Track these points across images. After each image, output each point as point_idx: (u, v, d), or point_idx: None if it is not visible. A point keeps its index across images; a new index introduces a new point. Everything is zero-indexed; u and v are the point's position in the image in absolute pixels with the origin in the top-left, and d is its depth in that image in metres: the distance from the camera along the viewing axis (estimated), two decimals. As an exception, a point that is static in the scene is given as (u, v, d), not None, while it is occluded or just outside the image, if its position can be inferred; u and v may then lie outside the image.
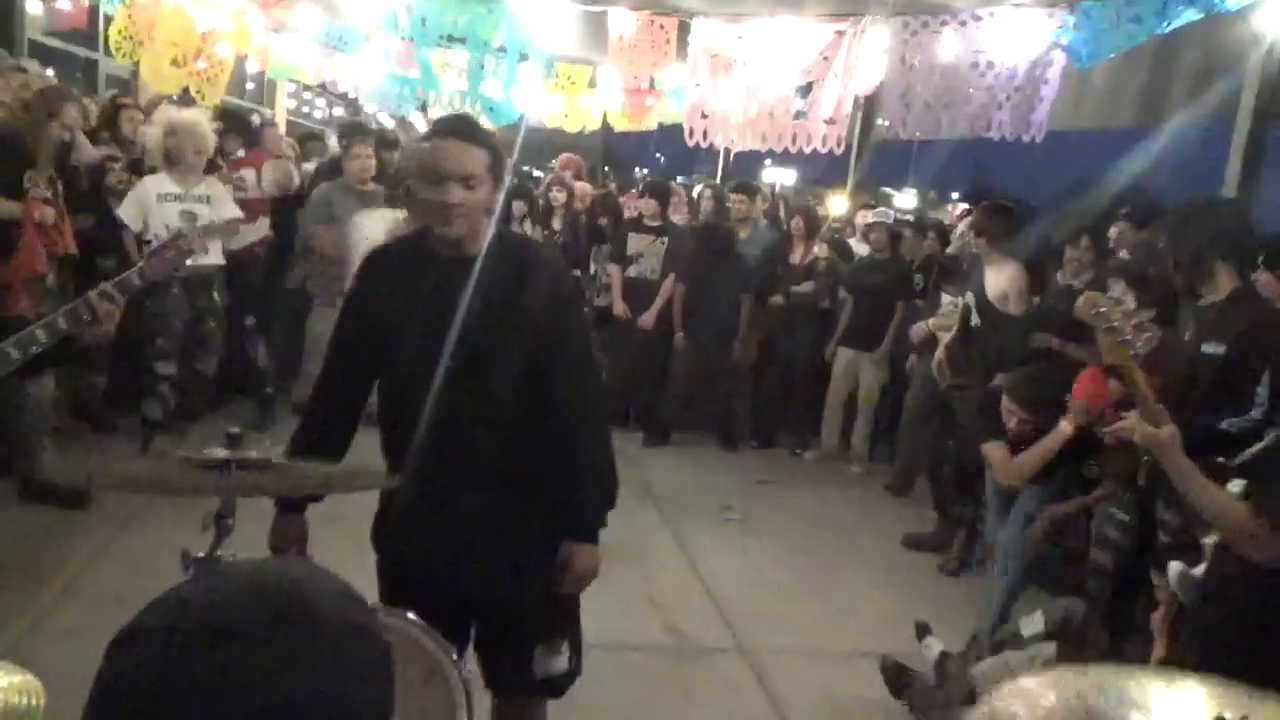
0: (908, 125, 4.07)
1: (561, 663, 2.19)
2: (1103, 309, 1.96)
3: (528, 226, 6.81)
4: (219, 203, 5.34)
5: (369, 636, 0.75)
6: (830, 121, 4.23)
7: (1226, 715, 1.16)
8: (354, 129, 6.62)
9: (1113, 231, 4.79)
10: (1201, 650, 2.04)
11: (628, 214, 6.92)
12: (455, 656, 1.79)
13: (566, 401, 2.10)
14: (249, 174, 6.06)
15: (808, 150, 4.12)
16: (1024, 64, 3.85)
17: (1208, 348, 3.03)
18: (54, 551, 3.89)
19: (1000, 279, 4.64)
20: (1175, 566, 2.25)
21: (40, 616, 3.43)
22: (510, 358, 2.06)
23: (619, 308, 6.51)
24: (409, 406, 2.04)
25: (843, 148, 4.45)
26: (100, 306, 2.06)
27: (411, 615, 1.87)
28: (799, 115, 4.21)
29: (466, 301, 2.01)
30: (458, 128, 2.07)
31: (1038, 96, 3.90)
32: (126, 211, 5.05)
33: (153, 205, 5.08)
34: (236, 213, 5.45)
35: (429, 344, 2.02)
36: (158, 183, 5.14)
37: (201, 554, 1.67)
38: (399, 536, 2.17)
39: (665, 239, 6.52)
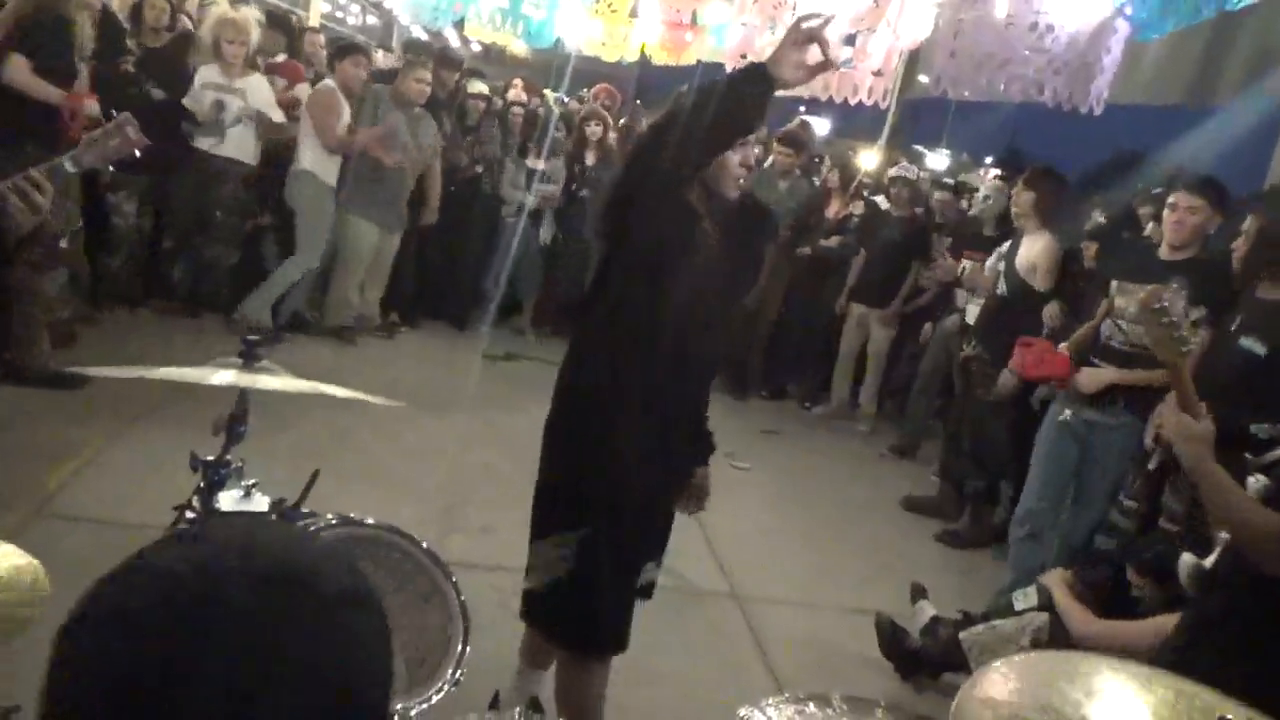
0: (956, 82, 3.95)
1: (656, 573, 2.35)
2: (1165, 304, 1.91)
3: (557, 161, 6.72)
4: (255, 96, 5.43)
5: (367, 607, 0.71)
6: (878, 73, 4.11)
7: (1230, 717, 1.15)
8: (419, 47, 6.61)
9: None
10: (1197, 644, 2.02)
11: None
12: (456, 585, 1.79)
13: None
14: (279, 83, 6.01)
15: (852, 101, 4.02)
16: (1087, 30, 3.71)
17: (1247, 341, 2.97)
18: (64, 440, 3.91)
19: (1032, 251, 4.55)
20: (1188, 559, 2.22)
21: (44, 502, 3.46)
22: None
23: None
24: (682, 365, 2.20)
25: (886, 101, 4.34)
26: (20, 194, 1.92)
27: (414, 535, 1.88)
28: (845, 64, 4.09)
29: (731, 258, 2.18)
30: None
31: (1099, 66, 3.76)
32: (190, 99, 5.31)
33: (195, 91, 5.34)
34: (275, 113, 5.52)
35: (701, 295, 2.14)
36: (207, 72, 5.38)
37: (211, 457, 1.66)
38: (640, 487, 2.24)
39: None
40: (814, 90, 4.18)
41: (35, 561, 1.32)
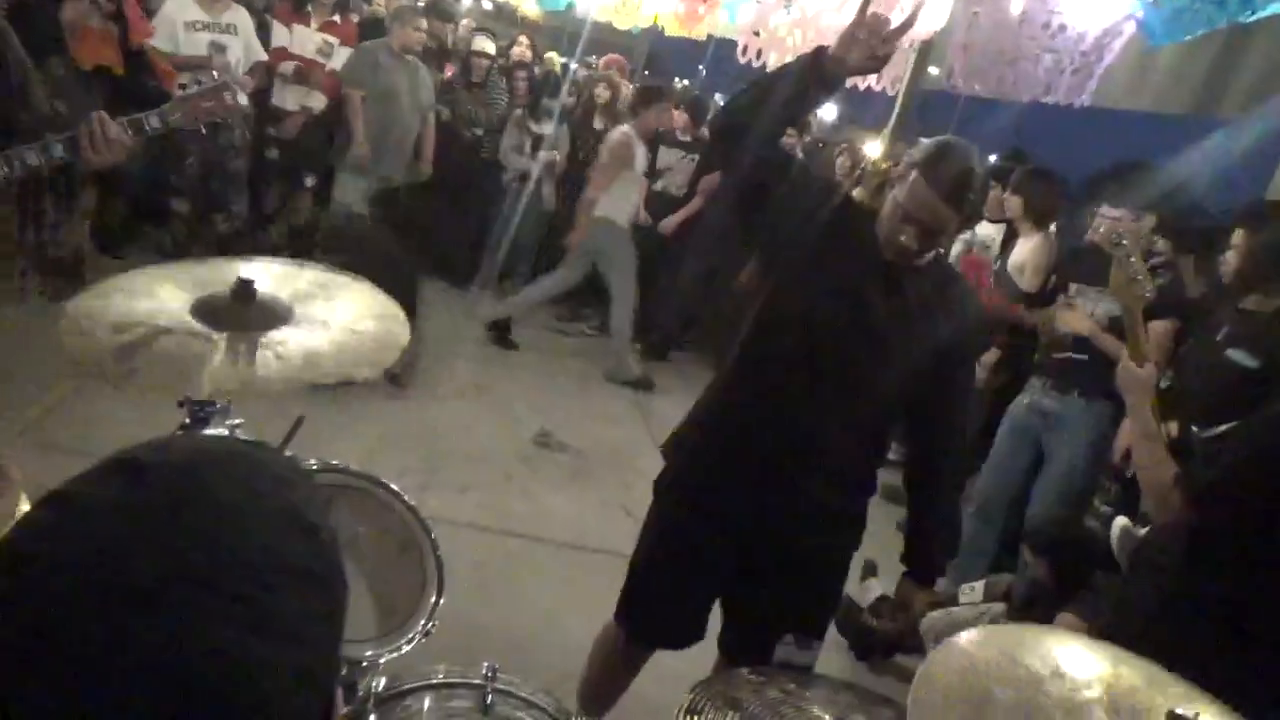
0: (968, 76, 3.94)
1: (808, 658, 2.18)
2: (1124, 241, 1.98)
3: (550, 128, 6.68)
4: (246, 35, 5.22)
5: (314, 580, 0.62)
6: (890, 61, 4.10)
7: (1180, 710, 1.18)
8: None
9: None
10: (1122, 619, 2.07)
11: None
12: (433, 538, 1.80)
13: (940, 446, 2.18)
14: (334, 42, 5.78)
15: (861, 88, 4.00)
16: (1095, 31, 3.70)
17: (1236, 354, 3.00)
18: (53, 364, 3.90)
19: (1023, 251, 4.56)
20: (1120, 521, 2.29)
21: (25, 427, 3.47)
22: (901, 376, 2.02)
23: (641, 216, 6.45)
24: (780, 379, 2.05)
25: (894, 90, 4.32)
26: (98, 140, 1.88)
27: (393, 486, 1.88)
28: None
29: (888, 308, 2.00)
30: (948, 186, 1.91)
31: (1099, 64, 3.76)
32: (158, 38, 4.95)
33: (180, 33, 4.98)
34: (260, 54, 5.34)
35: (835, 331, 2.00)
36: (180, 7, 4.99)
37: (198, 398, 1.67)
38: (713, 502, 2.16)
39: (695, 156, 6.41)
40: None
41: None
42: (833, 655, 3.47)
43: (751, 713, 1.52)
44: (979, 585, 3.53)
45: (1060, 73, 3.76)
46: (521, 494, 4.12)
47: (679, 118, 6.50)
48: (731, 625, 2.30)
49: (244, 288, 1.58)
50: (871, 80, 4.25)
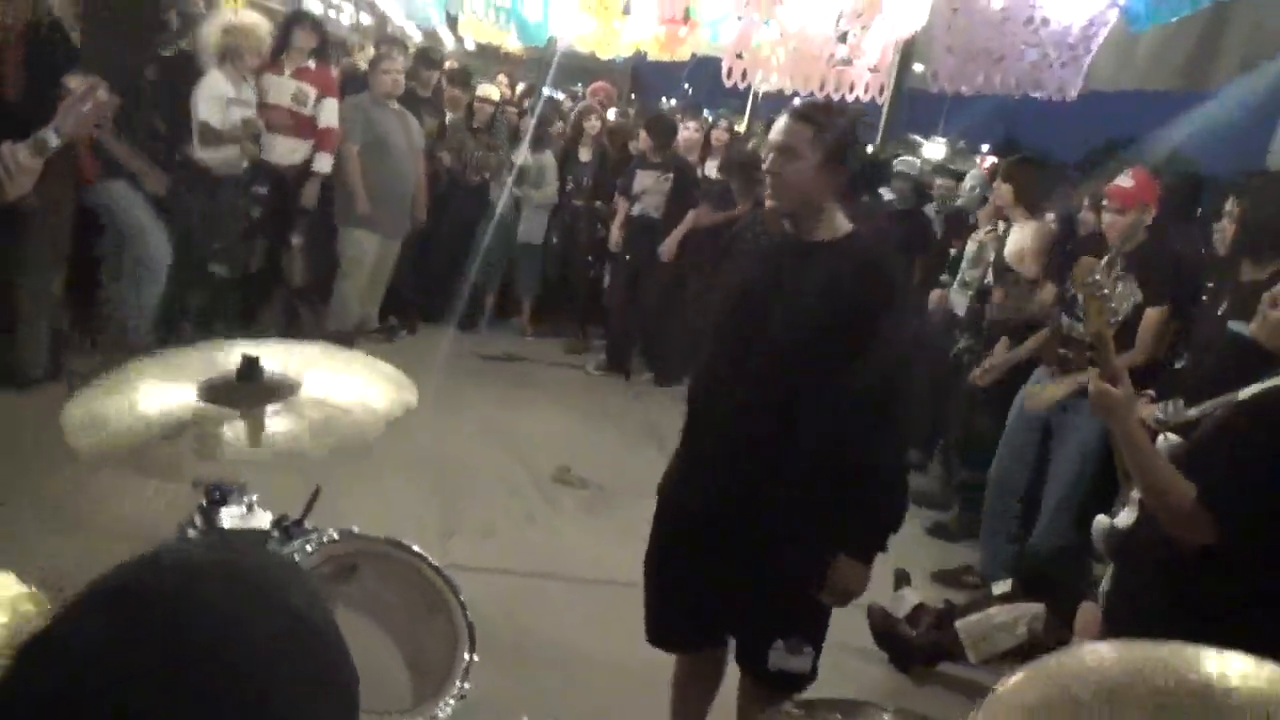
0: (954, 78, 3.94)
1: (800, 663, 2.18)
2: (1097, 277, 1.94)
3: (548, 158, 6.71)
4: (251, 102, 5.24)
5: (324, 685, 0.61)
6: (874, 69, 4.10)
7: None
8: (389, 39, 6.39)
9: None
10: (1124, 613, 2.02)
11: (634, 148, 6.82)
12: (460, 596, 1.79)
13: (865, 409, 2.04)
14: (311, 91, 5.58)
15: (850, 97, 4.01)
16: (1079, 23, 3.70)
17: (1236, 325, 2.98)
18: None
19: (1020, 238, 4.53)
20: (1102, 520, 2.23)
21: (45, 512, 3.46)
22: (820, 352, 2.05)
23: (614, 239, 6.47)
24: (717, 378, 2.23)
25: (884, 96, 4.34)
26: (11, 168, 2.00)
27: (416, 548, 1.87)
28: (843, 62, 4.08)
29: (797, 286, 2.10)
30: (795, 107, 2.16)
31: (1086, 56, 3.76)
32: (208, 113, 5.00)
33: (209, 104, 5.02)
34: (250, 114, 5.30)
35: (751, 322, 2.14)
36: (218, 83, 5.06)
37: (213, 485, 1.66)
38: (682, 494, 2.32)
39: (670, 175, 6.41)
40: (811, 87, 4.17)
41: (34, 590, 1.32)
42: (874, 667, 3.44)
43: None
44: (1007, 582, 3.49)
45: (1048, 67, 3.76)
46: (546, 532, 4.10)
47: (645, 140, 6.50)
48: (734, 631, 2.35)
49: (249, 367, 1.57)
50: (859, 89, 4.26)
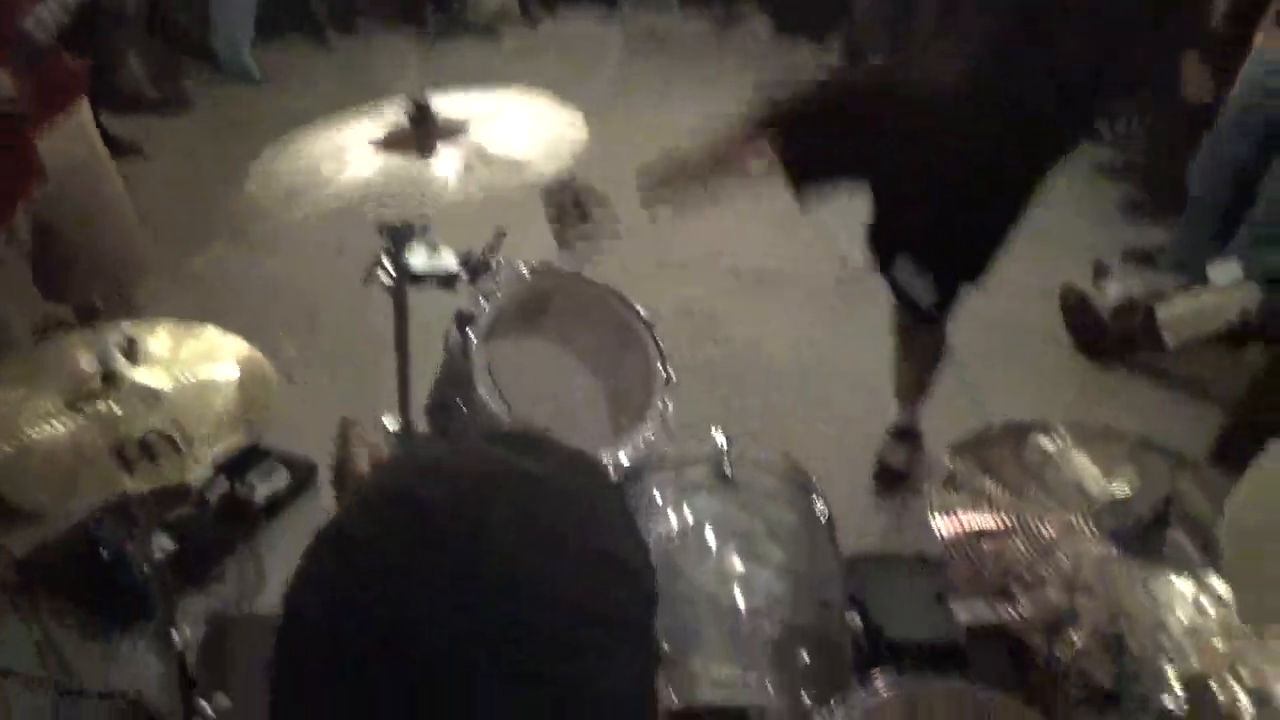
0: None
1: (917, 287, 2.30)
2: None
3: None
4: None
5: (631, 635, 0.57)
6: None
7: None
8: None
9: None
10: None
11: None
12: (654, 332, 1.77)
13: None
14: None
15: None
16: None
17: None
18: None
19: None
20: None
21: (235, 233, 3.63)
22: None
23: None
24: None
25: None
26: None
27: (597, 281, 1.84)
28: None
29: None
30: None
31: None
32: None
33: None
34: None
35: None
36: None
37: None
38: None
39: None
40: None
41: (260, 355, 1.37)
42: (1060, 352, 3.35)
43: (1008, 479, 1.47)
44: (1234, 263, 3.17)
45: None
46: (710, 225, 4.01)
47: None
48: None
49: (420, 112, 1.49)
50: None
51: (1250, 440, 2.33)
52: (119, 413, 1.21)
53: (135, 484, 1.14)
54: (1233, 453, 2.35)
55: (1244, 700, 1.07)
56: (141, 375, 1.25)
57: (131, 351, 1.24)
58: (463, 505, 0.54)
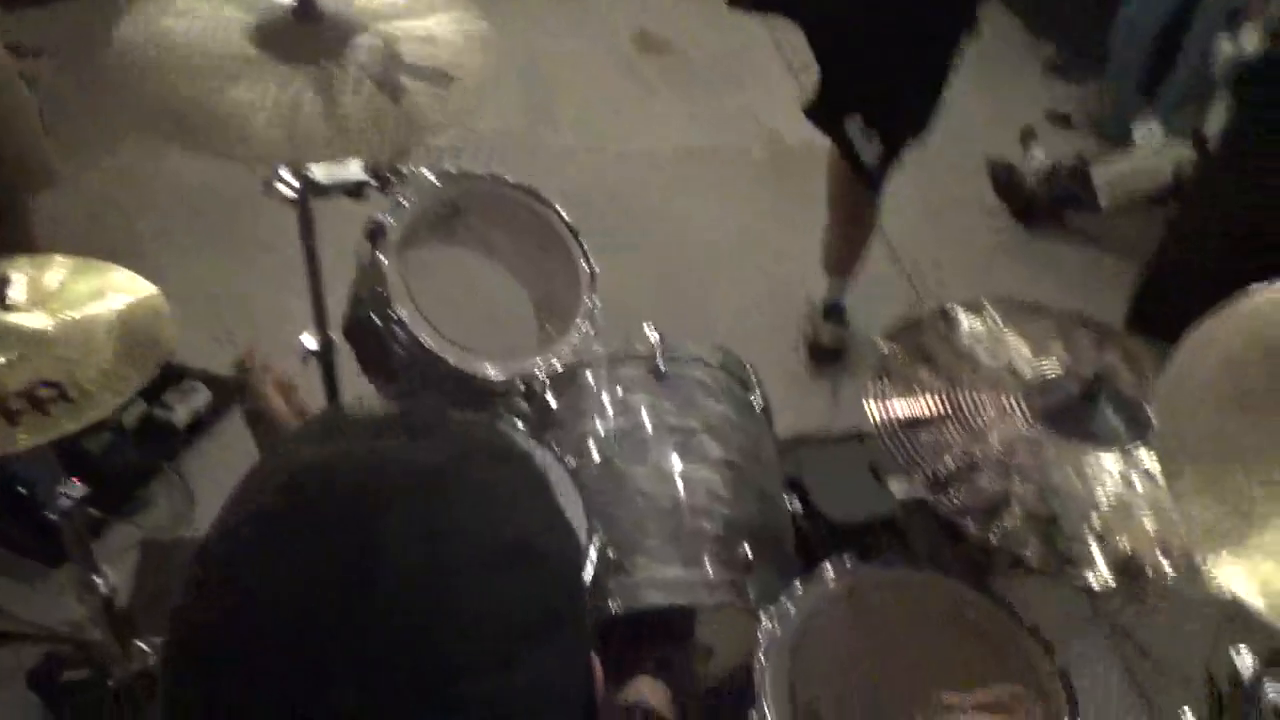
0: None
1: (865, 146, 2.36)
2: None
3: None
4: None
5: (553, 629, 0.51)
6: None
7: None
8: None
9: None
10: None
11: None
12: (577, 235, 1.70)
13: None
14: None
15: None
16: None
17: None
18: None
19: None
20: (1225, 46, 1.93)
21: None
22: None
23: None
24: None
25: None
26: None
27: (513, 179, 1.75)
28: None
29: None
30: None
31: None
32: None
33: None
34: None
35: None
36: None
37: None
38: None
39: None
40: None
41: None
42: (997, 220, 3.36)
43: (944, 364, 1.46)
44: (1156, 126, 3.19)
45: None
46: (633, 108, 3.88)
47: None
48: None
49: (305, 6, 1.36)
50: None
51: (1159, 299, 2.38)
52: (-1, 361, 1.12)
53: (27, 439, 1.06)
54: (1148, 310, 2.39)
55: (1172, 576, 1.09)
56: (17, 318, 1.16)
57: (1, 294, 1.14)
58: (349, 522, 0.48)
